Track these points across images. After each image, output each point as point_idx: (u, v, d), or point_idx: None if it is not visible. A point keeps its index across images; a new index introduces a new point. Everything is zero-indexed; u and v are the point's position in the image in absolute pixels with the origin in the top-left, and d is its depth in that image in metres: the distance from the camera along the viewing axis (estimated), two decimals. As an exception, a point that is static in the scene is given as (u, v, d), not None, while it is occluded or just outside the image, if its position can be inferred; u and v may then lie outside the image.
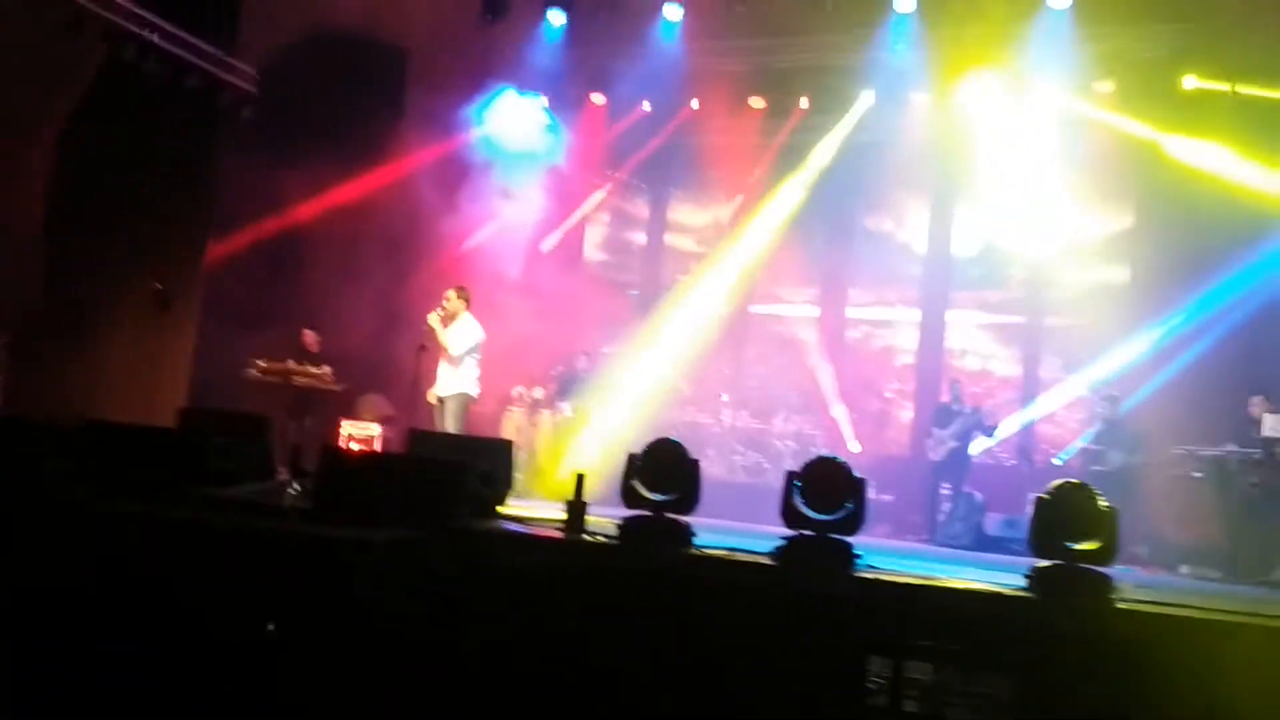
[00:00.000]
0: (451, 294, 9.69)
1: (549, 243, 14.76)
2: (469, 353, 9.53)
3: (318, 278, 12.30)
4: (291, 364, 11.64)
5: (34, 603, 4.88)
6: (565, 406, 12.87)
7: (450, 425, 9.33)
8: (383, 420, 12.16)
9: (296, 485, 6.33)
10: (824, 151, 13.63)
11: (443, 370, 9.53)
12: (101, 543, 4.93)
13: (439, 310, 9.57)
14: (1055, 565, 5.02)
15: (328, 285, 12.39)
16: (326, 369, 11.60)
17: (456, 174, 13.01)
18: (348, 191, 12.54)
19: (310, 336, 12.08)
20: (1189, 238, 11.42)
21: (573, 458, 12.49)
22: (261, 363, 11.37)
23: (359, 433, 11.67)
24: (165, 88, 11.25)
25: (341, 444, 11.20)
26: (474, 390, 9.55)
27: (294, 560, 4.84)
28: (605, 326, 15.05)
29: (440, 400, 9.52)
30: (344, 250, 12.62)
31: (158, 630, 4.77)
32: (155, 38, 11.21)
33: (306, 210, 12.20)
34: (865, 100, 13.41)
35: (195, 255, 11.99)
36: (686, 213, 15.19)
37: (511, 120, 13.51)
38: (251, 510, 5.70)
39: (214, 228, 12.15)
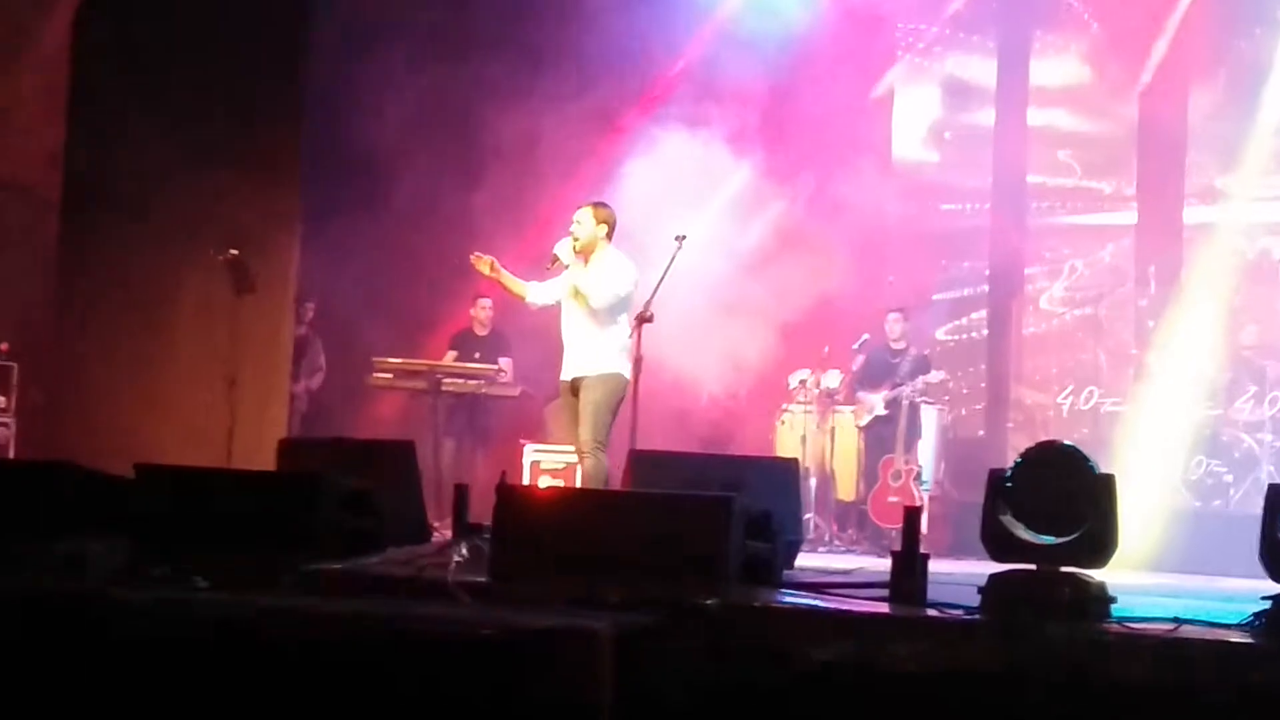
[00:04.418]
0: (586, 213, 9.44)
1: (879, 89, 14.79)
2: (616, 306, 9.37)
3: (474, 226, 12.60)
4: (452, 355, 12.00)
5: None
6: (875, 400, 12.83)
7: (590, 426, 9.16)
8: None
9: (463, 548, 6.51)
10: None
11: (575, 335, 9.39)
12: (171, 659, 5.15)
13: (571, 239, 9.38)
14: None
15: (490, 233, 12.67)
16: (504, 363, 11.89)
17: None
18: (509, 87, 12.82)
19: (483, 310, 12.46)
20: None
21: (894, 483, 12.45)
22: (392, 362, 11.76)
23: (551, 461, 11.90)
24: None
25: (526, 479, 11.46)
26: (626, 367, 9.42)
27: (473, 668, 4.95)
28: (935, 267, 14.85)
29: (573, 385, 9.42)
30: (506, 181, 12.89)
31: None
32: None
33: (446, 118, 12.55)
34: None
35: (284, 206, 12.50)
36: (1062, 70, 14.81)
37: None
38: (397, 592, 5.87)
39: (309, 161, 12.64)
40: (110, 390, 11.66)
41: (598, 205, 9.59)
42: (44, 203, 12.25)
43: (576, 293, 9.36)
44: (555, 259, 9.37)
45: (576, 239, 9.38)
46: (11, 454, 11.60)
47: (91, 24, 12.23)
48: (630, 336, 9.42)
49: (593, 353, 9.35)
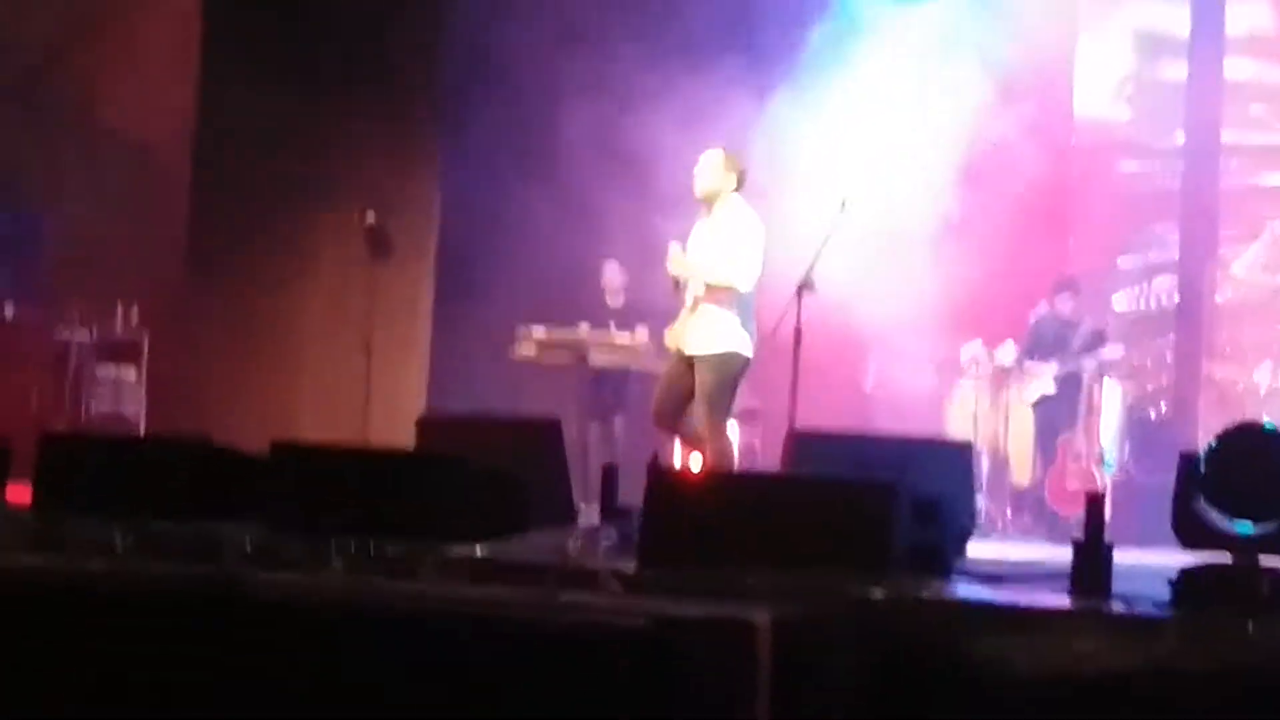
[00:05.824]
0: (715, 156, 9.29)
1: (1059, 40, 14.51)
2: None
3: (607, 182, 12.57)
4: (585, 329, 12.07)
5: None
6: (1045, 372, 12.70)
7: (707, 408, 9.11)
8: (740, 416, 12.33)
9: (612, 532, 6.57)
10: None
11: (692, 303, 9.27)
12: (305, 646, 5.19)
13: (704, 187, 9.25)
14: None
15: (627, 195, 12.66)
16: (640, 332, 11.91)
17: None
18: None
19: (614, 274, 12.46)
20: None
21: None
22: (539, 331, 11.81)
23: (703, 442, 11.96)
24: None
25: (678, 461, 11.49)
26: (745, 343, 9.26)
27: (622, 660, 4.94)
28: (1120, 233, 14.65)
29: (689, 359, 9.38)
30: (644, 136, 12.86)
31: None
32: None
33: (590, 76, 12.56)
34: None
35: (423, 168, 12.60)
36: (1259, 18, 14.49)
37: None
38: (542, 579, 5.89)
39: (448, 122, 12.72)
40: (243, 360, 11.88)
41: (729, 153, 9.44)
42: (174, 165, 12.46)
43: (701, 272, 9.22)
44: (673, 279, 9.37)
45: (699, 182, 9.28)
46: (142, 427, 11.83)
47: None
48: (751, 318, 9.26)
49: (709, 327, 9.22)
